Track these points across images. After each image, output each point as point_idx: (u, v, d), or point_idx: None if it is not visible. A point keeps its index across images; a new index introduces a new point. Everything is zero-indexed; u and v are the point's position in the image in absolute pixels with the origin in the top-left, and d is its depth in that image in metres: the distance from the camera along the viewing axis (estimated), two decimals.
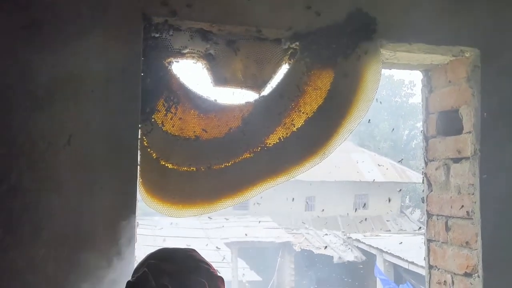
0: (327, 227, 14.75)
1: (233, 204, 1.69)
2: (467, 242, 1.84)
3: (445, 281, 1.95)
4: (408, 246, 10.78)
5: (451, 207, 1.93)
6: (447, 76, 2.01)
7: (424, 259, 2.10)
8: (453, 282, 1.90)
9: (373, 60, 1.75)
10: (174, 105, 1.63)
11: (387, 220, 16.82)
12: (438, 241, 2.00)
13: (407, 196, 19.08)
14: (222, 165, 1.66)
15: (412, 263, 10.22)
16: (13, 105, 1.47)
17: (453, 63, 1.97)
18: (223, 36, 1.68)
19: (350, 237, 13.67)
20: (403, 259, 10.80)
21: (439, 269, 1.99)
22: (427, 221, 2.09)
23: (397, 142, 22.18)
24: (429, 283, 2.04)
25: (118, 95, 1.53)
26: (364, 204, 17.25)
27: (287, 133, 1.71)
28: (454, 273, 1.90)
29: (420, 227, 15.16)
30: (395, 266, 11.65)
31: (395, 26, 1.78)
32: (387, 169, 17.42)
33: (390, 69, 2.09)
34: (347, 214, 16.09)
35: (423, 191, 2.14)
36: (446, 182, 1.97)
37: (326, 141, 1.71)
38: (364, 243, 13.01)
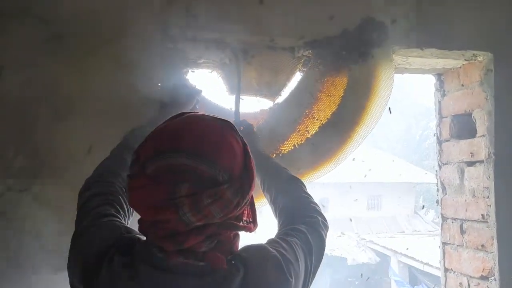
0: (340, 229, 14.69)
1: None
2: (482, 245, 1.85)
3: (461, 284, 1.96)
4: (422, 247, 10.71)
5: (466, 210, 1.94)
6: (460, 80, 2.01)
7: (440, 262, 2.10)
8: (469, 285, 1.91)
9: (385, 66, 1.77)
10: None
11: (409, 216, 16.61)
12: (453, 244, 2.01)
13: (421, 197, 18.90)
14: None
15: (427, 264, 10.14)
16: (35, 116, 1.52)
17: (466, 67, 1.98)
18: (238, 46, 1.72)
19: (364, 239, 13.60)
20: (417, 260, 10.72)
21: (454, 272, 2.00)
22: (441, 224, 2.10)
23: (410, 142, 22.03)
24: (445, 286, 2.05)
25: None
26: (377, 205, 17.13)
27: (301, 140, 1.73)
28: (470, 276, 1.90)
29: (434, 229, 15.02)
30: (410, 267, 11.56)
31: (407, 32, 1.79)
32: (400, 169, 17.30)
33: (402, 74, 2.10)
34: (361, 215, 16.00)
35: (437, 194, 2.15)
36: (461, 185, 1.98)
37: (340, 147, 1.73)
38: (378, 244, 12.93)
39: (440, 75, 2.12)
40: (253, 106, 1.77)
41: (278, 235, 1.06)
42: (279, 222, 1.19)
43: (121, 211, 1.05)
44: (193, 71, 1.72)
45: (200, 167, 0.83)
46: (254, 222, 0.95)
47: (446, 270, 2.05)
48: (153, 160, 0.84)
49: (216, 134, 0.87)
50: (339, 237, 14.00)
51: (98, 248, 0.90)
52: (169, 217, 0.81)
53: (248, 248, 0.94)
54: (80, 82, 1.54)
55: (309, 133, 1.73)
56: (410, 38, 1.80)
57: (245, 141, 0.93)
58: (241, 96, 1.75)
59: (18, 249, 1.48)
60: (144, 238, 0.91)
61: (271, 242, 1.00)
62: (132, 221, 1.06)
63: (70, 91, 1.54)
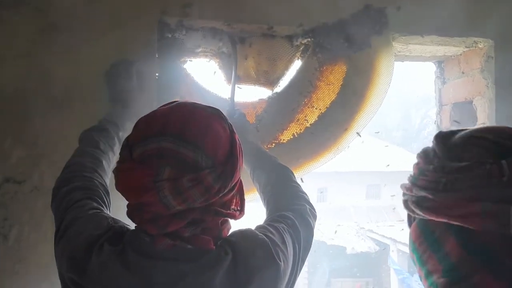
0: (339, 218, 14.76)
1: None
2: None
3: None
4: None
5: None
6: (461, 67, 2.00)
7: None
8: None
9: (385, 54, 1.75)
10: None
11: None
12: None
13: None
14: None
15: None
16: (33, 107, 1.50)
17: (467, 54, 1.96)
18: (235, 34, 1.70)
19: (363, 228, 13.67)
20: None
21: None
22: None
23: (409, 131, 22.02)
24: None
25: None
26: (376, 194, 17.19)
27: (300, 129, 1.72)
28: None
29: None
30: (409, 255, 11.62)
31: (407, 19, 1.77)
32: (399, 158, 17.32)
33: (402, 62, 2.08)
34: (360, 204, 16.06)
35: None
36: None
37: (340, 136, 1.72)
38: (377, 233, 13.00)
39: (441, 63, 2.11)
40: (252, 96, 1.75)
41: (265, 222, 1.07)
42: (267, 210, 1.20)
43: (103, 205, 1.05)
44: (191, 60, 1.70)
45: (183, 151, 0.84)
46: (241, 210, 0.96)
47: None
48: (140, 144, 0.86)
49: (202, 120, 0.88)
50: (338, 226, 14.07)
51: (87, 238, 0.90)
52: (150, 200, 0.82)
53: (235, 233, 0.95)
54: (77, 73, 1.53)
55: (308, 122, 1.72)
56: (410, 25, 1.78)
57: (234, 130, 0.94)
58: (239, 86, 1.73)
59: (17, 240, 1.48)
60: (133, 228, 0.92)
61: (258, 227, 1.02)
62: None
63: (66, 82, 1.52)
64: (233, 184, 0.90)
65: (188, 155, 0.84)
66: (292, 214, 1.09)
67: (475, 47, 1.89)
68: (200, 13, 1.61)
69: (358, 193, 16.61)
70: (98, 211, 1.00)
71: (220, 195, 0.86)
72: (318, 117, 1.72)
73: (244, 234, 0.95)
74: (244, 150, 1.40)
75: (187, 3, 1.60)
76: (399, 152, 18.10)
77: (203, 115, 0.90)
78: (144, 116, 0.91)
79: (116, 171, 0.88)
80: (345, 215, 15.40)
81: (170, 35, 1.62)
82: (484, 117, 1.86)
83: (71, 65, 1.52)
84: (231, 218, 0.94)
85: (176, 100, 0.96)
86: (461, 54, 1.99)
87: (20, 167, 1.49)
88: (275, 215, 1.10)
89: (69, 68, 1.52)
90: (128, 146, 0.89)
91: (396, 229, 12.68)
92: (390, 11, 1.75)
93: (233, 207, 0.94)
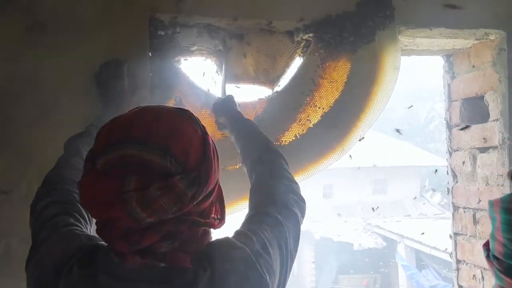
0: (346, 214, 14.66)
1: (245, 207, 1.62)
2: None
3: (474, 276, 1.87)
4: (429, 231, 10.63)
5: (479, 199, 1.84)
6: (471, 61, 1.90)
7: (451, 254, 2.01)
8: (483, 277, 1.82)
9: (391, 48, 1.66)
10: (183, 105, 1.57)
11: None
12: (466, 234, 1.91)
13: (427, 180, 18.79)
14: (237, 165, 1.59)
15: (434, 248, 10.07)
16: (19, 111, 1.43)
17: (477, 47, 1.86)
18: (232, 31, 1.61)
19: (370, 223, 13.55)
20: (424, 244, 10.65)
21: (467, 263, 1.91)
22: (453, 213, 2.00)
23: (414, 125, 21.84)
24: (457, 278, 1.96)
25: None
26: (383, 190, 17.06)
27: (303, 130, 1.63)
28: (484, 268, 1.81)
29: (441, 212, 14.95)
30: (417, 251, 11.51)
31: (414, 10, 1.68)
32: (405, 153, 17.17)
33: (409, 56, 1.98)
34: (366, 200, 15.95)
35: (448, 182, 2.05)
36: (473, 173, 1.88)
37: (345, 136, 1.63)
38: (384, 229, 12.87)
39: (449, 56, 2.01)
40: (251, 95, 1.67)
41: (244, 224, 0.99)
42: (249, 201, 1.11)
43: (81, 219, 0.97)
44: (186, 59, 1.62)
45: (149, 158, 0.76)
46: (221, 218, 0.89)
47: (458, 261, 1.96)
48: (103, 153, 0.78)
49: (169, 122, 0.80)
50: (345, 222, 13.98)
51: (55, 261, 0.82)
52: (118, 214, 0.74)
53: (213, 244, 0.86)
54: (66, 74, 1.45)
55: (311, 122, 1.63)
56: (417, 17, 1.68)
57: (207, 132, 0.86)
58: (237, 85, 1.65)
59: (6, 253, 1.40)
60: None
61: (237, 233, 0.93)
62: None
63: (54, 84, 1.44)
64: (210, 190, 0.82)
65: (155, 161, 0.76)
66: (274, 209, 1.01)
67: (486, 39, 1.79)
68: (195, 9, 1.52)
69: (364, 189, 16.49)
70: (74, 227, 0.92)
71: (195, 203, 0.78)
72: (321, 116, 1.63)
73: (222, 245, 0.86)
74: (234, 127, 1.31)
75: None
76: (404, 146, 17.94)
77: (169, 116, 0.82)
78: (107, 123, 0.83)
79: (79, 186, 0.80)
80: (352, 211, 15.30)
81: (163, 33, 1.53)
82: (497, 113, 1.76)
83: (59, 67, 1.44)
84: (209, 227, 0.85)
85: (140, 106, 0.88)
86: (471, 47, 1.89)
87: (6, 175, 1.41)
88: (255, 214, 1.01)
89: (57, 69, 1.44)
90: (91, 157, 0.80)
91: (403, 225, 12.56)
92: (396, 1, 1.65)
93: (212, 215, 0.86)
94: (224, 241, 0.88)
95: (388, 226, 12.88)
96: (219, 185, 0.89)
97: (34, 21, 1.44)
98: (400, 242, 11.99)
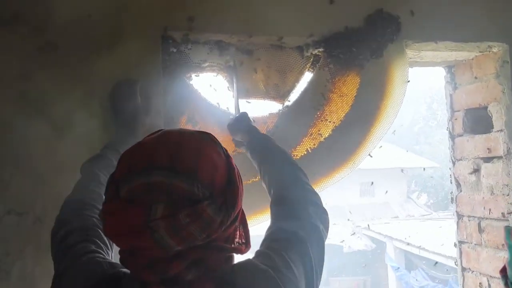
0: (334, 217, 14.74)
1: (260, 222, 1.63)
2: (503, 245, 1.78)
3: (480, 284, 1.90)
4: (417, 232, 10.76)
5: (484, 208, 1.87)
6: (473, 72, 1.94)
7: (456, 262, 2.04)
8: (489, 285, 1.85)
9: (399, 62, 1.69)
10: (196, 122, 1.57)
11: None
12: (471, 243, 1.95)
13: (413, 181, 19.02)
14: (249, 180, 1.60)
15: (423, 249, 10.20)
16: (32, 132, 1.41)
17: (479, 59, 1.90)
18: (243, 47, 1.62)
19: (359, 226, 13.64)
20: (413, 245, 10.78)
21: (473, 271, 1.94)
22: (457, 222, 2.03)
23: (399, 127, 22.08)
24: (463, 286, 1.99)
25: None
26: (370, 192, 17.20)
27: (314, 144, 1.64)
28: (490, 276, 1.84)
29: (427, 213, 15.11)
30: (406, 252, 11.63)
31: (420, 25, 1.71)
32: (391, 155, 17.35)
33: (412, 68, 2.01)
34: (354, 202, 16.05)
35: (451, 191, 2.08)
36: (477, 182, 1.91)
37: (356, 150, 1.65)
38: (373, 230, 12.98)
39: (451, 68, 2.04)
40: (262, 110, 1.67)
41: (266, 242, 0.98)
42: (270, 217, 1.11)
43: (102, 245, 0.96)
44: (197, 76, 1.62)
45: (176, 184, 0.74)
46: (247, 243, 0.87)
47: (463, 269, 1.99)
48: (127, 180, 0.76)
49: (193, 147, 0.79)
50: (334, 225, 14.03)
51: None
52: (144, 243, 0.73)
53: (235, 268, 0.85)
54: (78, 94, 1.43)
55: (322, 136, 1.65)
56: (424, 31, 1.71)
57: (230, 154, 0.86)
58: (248, 100, 1.66)
59: (19, 276, 1.38)
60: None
61: (259, 254, 0.93)
62: None
63: (67, 104, 1.43)
64: (236, 214, 0.81)
65: (182, 187, 0.74)
66: (295, 225, 1.01)
67: (489, 51, 1.82)
68: (206, 26, 1.52)
69: (352, 191, 16.60)
70: (96, 254, 0.91)
71: (223, 228, 0.77)
72: (332, 130, 1.65)
73: (246, 269, 0.85)
74: (252, 144, 1.31)
75: (192, 16, 1.51)
76: (390, 148, 18.14)
77: (193, 140, 0.80)
78: (129, 149, 0.82)
79: (102, 214, 0.78)
80: (340, 214, 15.38)
81: (175, 50, 1.53)
82: (501, 124, 1.79)
83: (72, 86, 1.43)
84: (237, 253, 0.84)
85: (161, 129, 0.87)
86: (472, 59, 1.92)
87: (20, 197, 1.39)
88: (275, 231, 1.01)
89: (69, 89, 1.43)
90: (114, 183, 0.79)
91: (392, 226, 12.68)
92: (403, 16, 1.68)
93: (237, 240, 0.84)
94: (248, 265, 0.87)
95: (376, 227, 12.99)
96: (242, 209, 0.88)
97: (45, 41, 1.43)
98: (389, 243, 12.10)
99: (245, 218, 0.90)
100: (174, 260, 0.75)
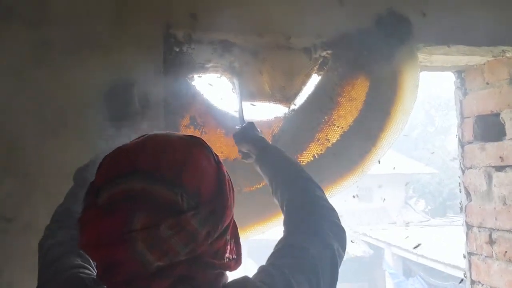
0: None
1: (263, 231, 1.55)
2: None
3: None
4: (416, 238, 10.68)
5: (496, 218, 1.80)
6: (484, 78, 1.87)
7: (464, 274, 1.97)
8: None
9: (410, 66, 1.62)
10: (198, 125, 1.49)
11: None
12: (481, 255, 1.87)
13: (411, 187, 18.95)
14: (253, 187, 1.52)
15: (422, 256, 10.12)
16: (24, 132, 1.33)
17: (491, 64, 1.83)
18: (248, 47, 1.54)
19: (357, 232, 13.56)
20: (411, 252, 10.69)
21: (483, 284, 1.86)
22: (466, 232, 1.96)
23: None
24: None
25: None
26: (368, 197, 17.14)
27: (321, 150, 1.57)
28: None
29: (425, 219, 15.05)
30: (404, 259, 11.55)
31: (432, 28, 1.64)
32: (389, 160, 17.32)
33: (420, 72, 1.94)
34: (352, 208, 15.98)
35: (460, 200, 2.01)
36: (488, 191, 1.84)
37: (365, 156, 1.58)
38: (370, 236, 12.90)
39: (461, 73, 1.98)
40: (267, 113, 1.60)
41: (271, 258, 0.91)
42: (283, 232, 1.03)
43: (90, 258, 0.89)
44: (200, 77, 1.54)
45: (158, 191, 0.67)
46: (237, 259, 0.79)
47: (473, 282, 1.91)
48: (106, 187, 0.69)
49: (180, 152, 0.72)
50: None
51: None
52: (121, 257, 0.65)
53: (227, 286, 0.77)
54: (73, 94, 1.36)
55: (329, 141, 1.58)
56: (436, 34, 1.64)
57: (221, 161, 0.78)
58: (252, 103, 1.58)
59: (10, 285, 1.30)
60: None
61: (260, 271, 0.85)
62: None
63: (62, 104, 1.35)
64: (225, 226, 0.73)
65: (165, 195, 0.67)
66: (304, 241, 0.93)
67: (503, 56, 1.76)
68: (210, 24, 1.45)
69: (349, 197, 16.51)
70: (80, 270, 0.83)
71: (210, 242, 0.70)
72: (341, 136, 1.57)
73: (237, 286, 0.77)
74: (260, 157, 1.23)
75: (195, 14, 1.44)
76: (388, 154, 18.10)
77: (180, 145, 0.73)
78: (110, 153, 0.74)
79: (78, 223, 0.70)
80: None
81: (177, 49, 1.46)
82: None
83: (67, 85, 1.36)
84: (225, 269, 0.76)
85: (147, 133, 0.78)
86: (484, 64, 1.86)
87: (9, 201, 1.31)
88: (282, 248, 0.93)
89: (64, 88, 1.36)
90: (93, 190, 0.71)
91: (390, 232, 12.60)
92: (415, 18, 1.61)
93: (227, 255, 0.76)
94: (242, 283, 0.78)
95: (374, 234, 12.92)
96: (234, 221, 0.80)
97: (40, 37, 1.35)
98: (387, 249, 12.03)
99: (237, 232, 0.82)
100: (155, 278, 0.67)
